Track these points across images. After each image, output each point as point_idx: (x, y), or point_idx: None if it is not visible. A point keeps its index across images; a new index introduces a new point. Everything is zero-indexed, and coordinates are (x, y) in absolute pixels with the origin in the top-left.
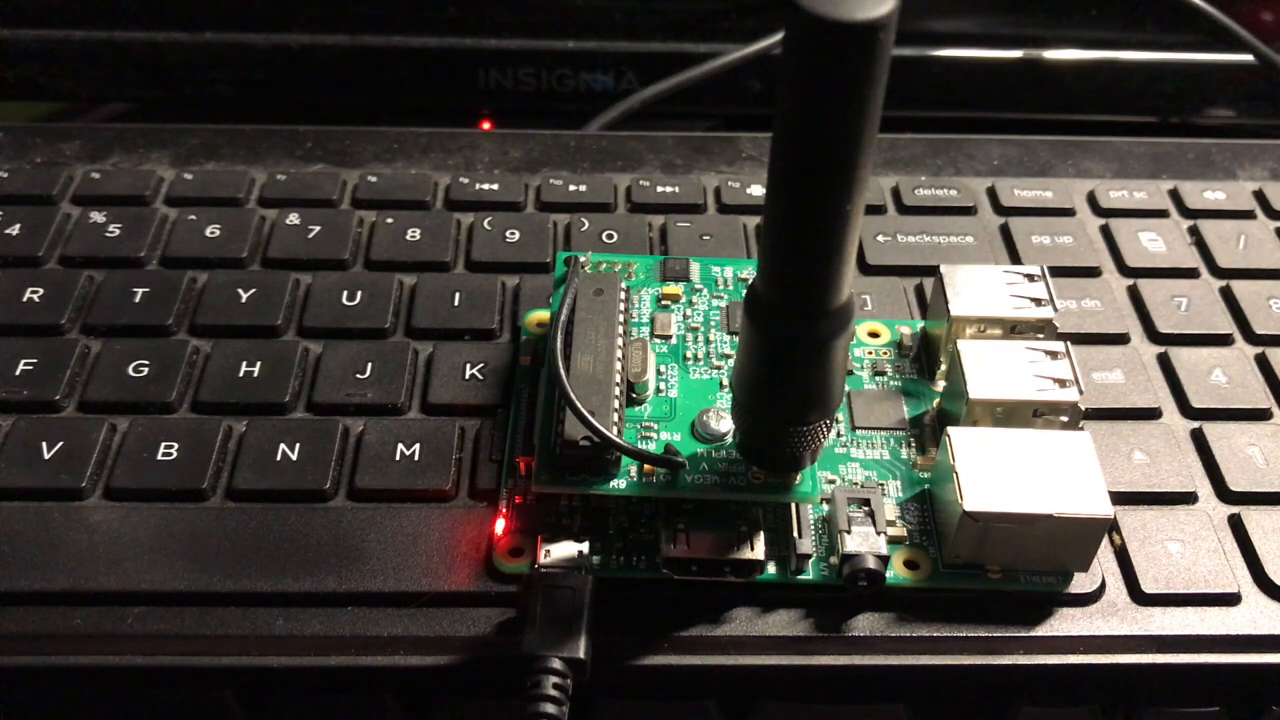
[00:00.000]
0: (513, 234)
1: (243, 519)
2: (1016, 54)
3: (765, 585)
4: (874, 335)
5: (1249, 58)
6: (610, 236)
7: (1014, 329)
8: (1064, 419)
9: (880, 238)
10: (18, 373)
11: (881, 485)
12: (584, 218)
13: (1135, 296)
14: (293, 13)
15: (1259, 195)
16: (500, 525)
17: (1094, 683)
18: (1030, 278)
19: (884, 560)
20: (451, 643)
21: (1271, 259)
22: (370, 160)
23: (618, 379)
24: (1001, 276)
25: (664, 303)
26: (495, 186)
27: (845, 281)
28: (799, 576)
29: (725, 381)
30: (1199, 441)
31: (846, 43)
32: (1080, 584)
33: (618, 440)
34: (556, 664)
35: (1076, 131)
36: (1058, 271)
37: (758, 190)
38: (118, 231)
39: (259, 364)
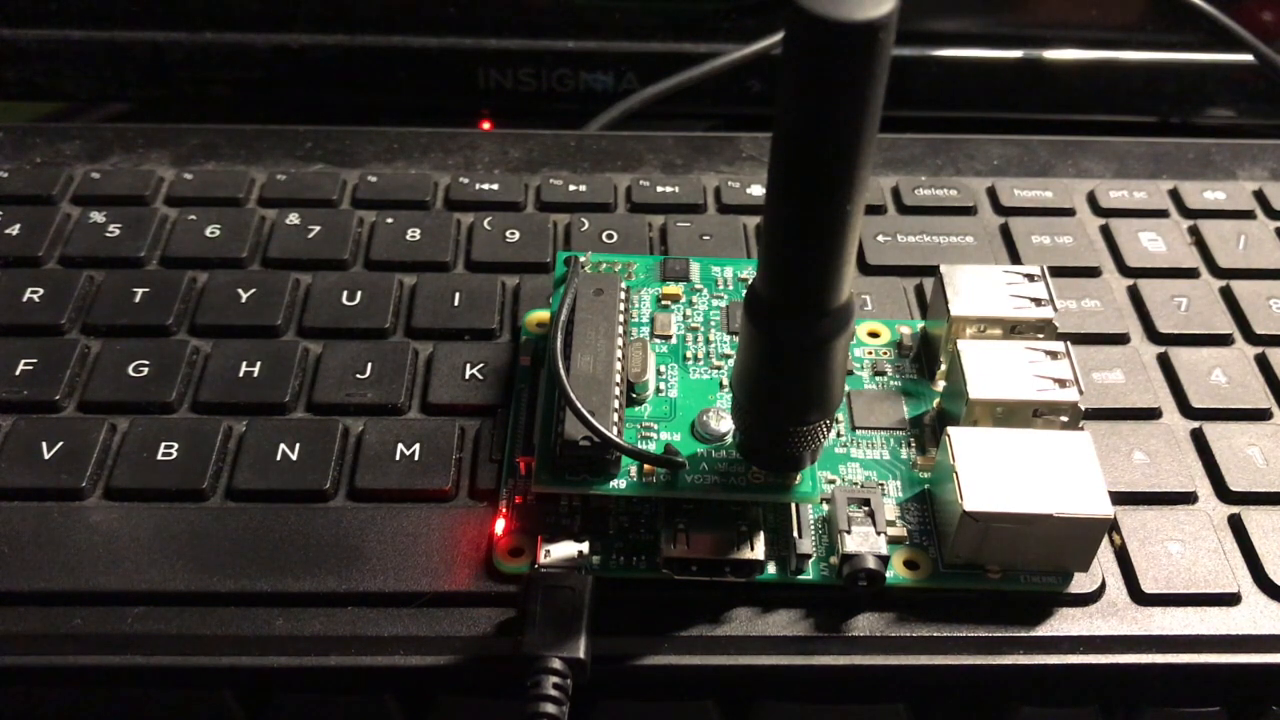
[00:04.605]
0: (513, 234)
1: (243, 519)
2: (1016, 54)
3: (765, 585)
4: (874, 335)
5: (1249, 58)
6: (610, 236)
7: (1014, 329)
8: (1064, 419)
9: (880, 238)
10: (18, 373)
11: (881, 485)
12: (584, 218)
13: (1135, 296)
14: (293, 13)
15: (1259, 195)
16: (500, 525)
17: (1094, 683)
18: (1030, 278)
19: (884, 560)
20: (451, 643)
21: (1271, 259)
22: (370, 160)
23: (618, 379)
24: (1001, 276)
25: (664, 303)
26: (495, 186)
27: (845, 281)
28: (799, 576)
29: (725, 381)
30: (1199, 441)
31: (846, 43)
32: (1080, 584)
33: (618, 440)
34: (556, 664)
35: (1076, 131)
36: (1058, 271)
37: (758, 190)
38: (118, 231)
39: (259, 364)
